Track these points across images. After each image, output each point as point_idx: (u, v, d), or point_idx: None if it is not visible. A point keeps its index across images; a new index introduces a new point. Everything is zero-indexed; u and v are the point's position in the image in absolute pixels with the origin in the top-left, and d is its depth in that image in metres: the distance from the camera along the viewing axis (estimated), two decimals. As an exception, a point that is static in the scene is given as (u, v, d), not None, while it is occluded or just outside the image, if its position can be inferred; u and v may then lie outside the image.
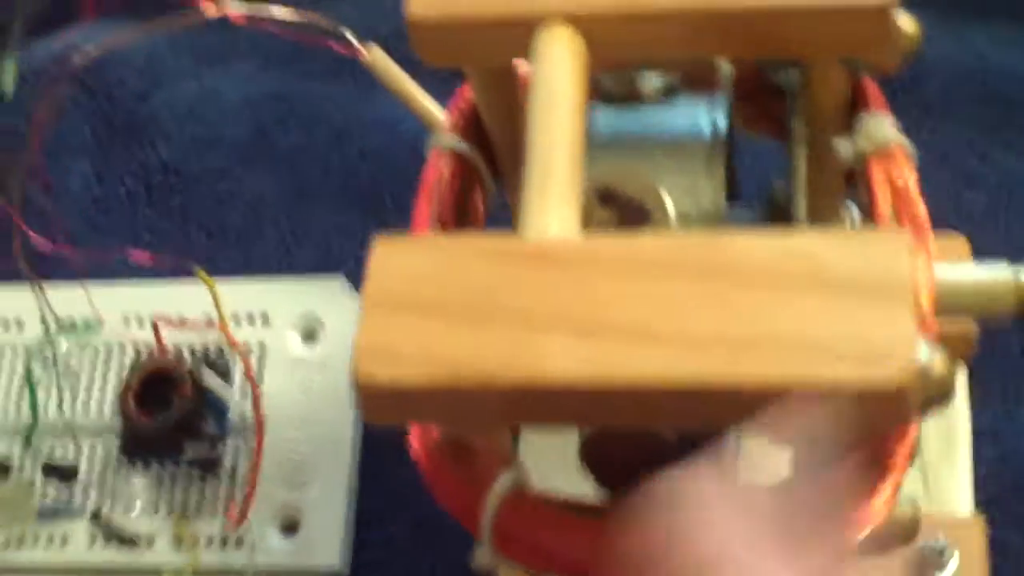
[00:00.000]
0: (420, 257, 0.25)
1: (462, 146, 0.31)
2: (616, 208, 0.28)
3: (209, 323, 0.40)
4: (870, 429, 0.24)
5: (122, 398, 0.38)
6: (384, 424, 0.26)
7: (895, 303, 0.22)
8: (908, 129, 0.37)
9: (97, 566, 0.39)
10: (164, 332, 0.40)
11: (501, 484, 0.27)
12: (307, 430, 0.39)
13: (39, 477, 0.39)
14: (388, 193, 0.43)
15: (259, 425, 0.38)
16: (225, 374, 0.39)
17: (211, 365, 0.39)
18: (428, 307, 0.24)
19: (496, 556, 0.27)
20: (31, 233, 0.40)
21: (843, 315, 0.22)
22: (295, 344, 0.40)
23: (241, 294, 0.40)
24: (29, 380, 0.40)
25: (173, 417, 0.38)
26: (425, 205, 0.30)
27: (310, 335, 0.40)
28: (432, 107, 0.36)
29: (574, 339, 0.23)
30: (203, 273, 0.39)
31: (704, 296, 0.23)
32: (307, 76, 0.46)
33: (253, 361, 0.40)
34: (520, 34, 0.27)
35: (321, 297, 0.40)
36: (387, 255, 0.25)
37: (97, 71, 0.47)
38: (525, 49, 0.27)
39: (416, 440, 0.28)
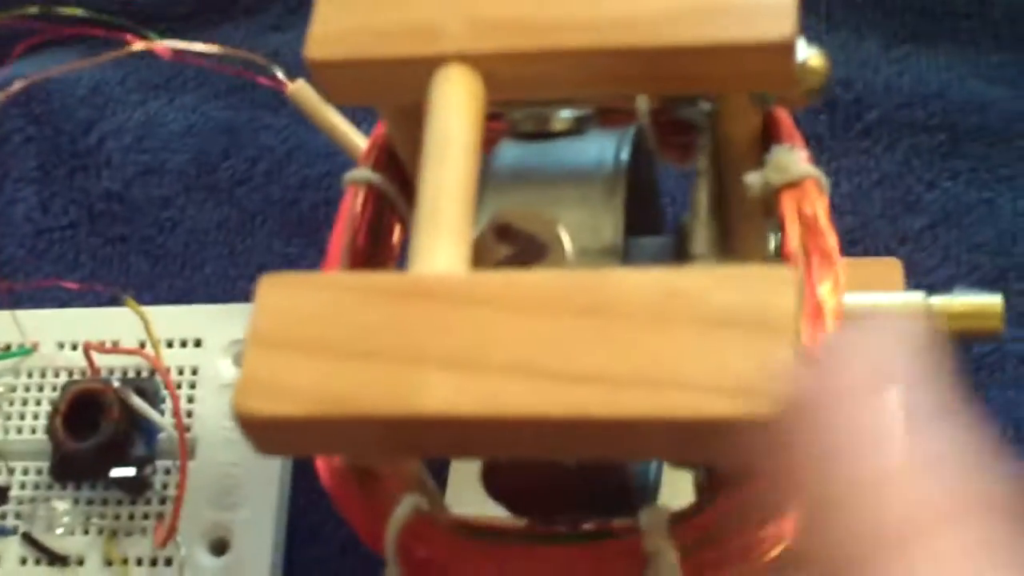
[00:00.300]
0: (306, 295, 0.25)
1: (376, 178, 0.32)
2: (513, 244, 0.29)
3: (140, 351, 0.41)
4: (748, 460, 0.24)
5: (50, 421, 0.39)
6: (275, 454, 0.26)
7: (773, 336, 0.22)
8: (849, 154, 0.38)
9: (27, 586, 0.39)
10: (96, 357, 0.40)
11: (403, 508, 0.27)
12: (237, 453, 0.39)
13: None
14: (328, 222, 0.44)
15: (183, 446, 0.38)
16: (154, 397, 0.40)
17: (139, 389, 0.39)
18: (311, 343, 0.24)
19: None
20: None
21: (720, 348, 0.22)
22: (227, 369, 0.41)
23: (176, 320, 0.41)
24: (-36, 404, 0.41)
25: (100, 440, 0.38)
26: (339, 237, 0.31)
27: (242, 361, 0.41)
28: (357, 139, 0.37)
29: (453, 373, 0.23)
30: (131, 300, 0.40)
31: (586, 332, 0.23)
32: (251, 105, 0.47)
33: (185, 386, 0.40)
34: (421, 73, 0.27)
35: (254, 323, 0.41)
36: (273, 293, 0.25)
37: (43, 101, 0.48)
38: (419, 88, 0.27)
39: (322, 467, 0.29)
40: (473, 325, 0.24)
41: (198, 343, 0.41)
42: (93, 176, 0.47)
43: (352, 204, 0.32)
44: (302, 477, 0.40)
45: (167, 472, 0.40)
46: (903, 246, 0.40)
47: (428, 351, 0.24)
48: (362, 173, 0.32)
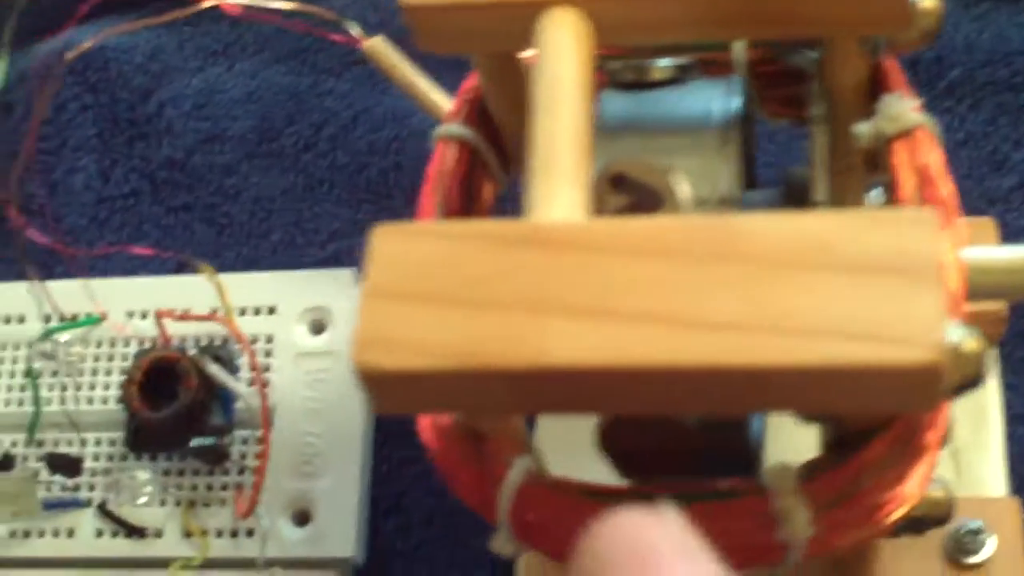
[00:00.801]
0: (421, 244, 0.24)
1: (467, 133, 0.31)
2: (629, 194, 0.28)
3: (214, 316, 0.40)
4: (898, 411, 0.23)
5: (125, 390, 0.38)
6: (393, 413, 0.25)
7: (921, 282, 0.21)
8: (932, 113, 0.37)
9: (105, 558, 0.38)
10: (168, 325, 0.40)
11: (516, 471, 0.26)
12: (317, 420, 0.39)
13: (43, 470, 0.39)
14: (398, 187, 0.43)
15: (265, 415, 0.37)
16: (230, 365, 0.39)
17: (216, 356, 0.38)
18: (429, 294, 0.23)
19: (515, 543, 0.27)
20: (33, 230, 0.40)
21: (866, 295, 0.21)
22: (303, 336, 0.40)
23: (248, 288, 0.40)
24: (30, 374, 0.40)
25: (178, 409, 0.37)
26: (430, 194, 0.30)
27: (318, 328, 0.40)
28: (437, 96, 0.36)
29: (580, 323, 0.22)
30: (206, 266, 0.39)
31: (717, 279, 0.22)
32: (313, 70, 0.46)
33: (260, 354, 0.40)
34: (522, 17, 0.26)
35: (330, 290, 0.40)
36: (387, 243, 0.24)
37: (100, 68, 0.47)
38: (528, 33, 0.26)
39: (426, 429, 0.28)
40: (598, 273, 0.23)
41: (272, 310, 0.40)
42: (153, 144, 0.46)
43: (443, 160, 0.31)
44: (383, 445, 0.39)
45: (244, 442, 0.39)
46: (992, 207, 0.39)
47: (552, 300, 0.23)
48: (453, 128, 0.31)
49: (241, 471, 0.38)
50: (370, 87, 0.45)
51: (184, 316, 0.40)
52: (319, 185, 0.44)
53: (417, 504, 0.39)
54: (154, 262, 0.43)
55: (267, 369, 0.39)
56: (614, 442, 0.28)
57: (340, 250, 0.43)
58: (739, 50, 0.30)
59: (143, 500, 0.37)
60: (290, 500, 0.38)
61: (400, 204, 0.43)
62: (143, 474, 0.38)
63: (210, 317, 0.39)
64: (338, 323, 0.40)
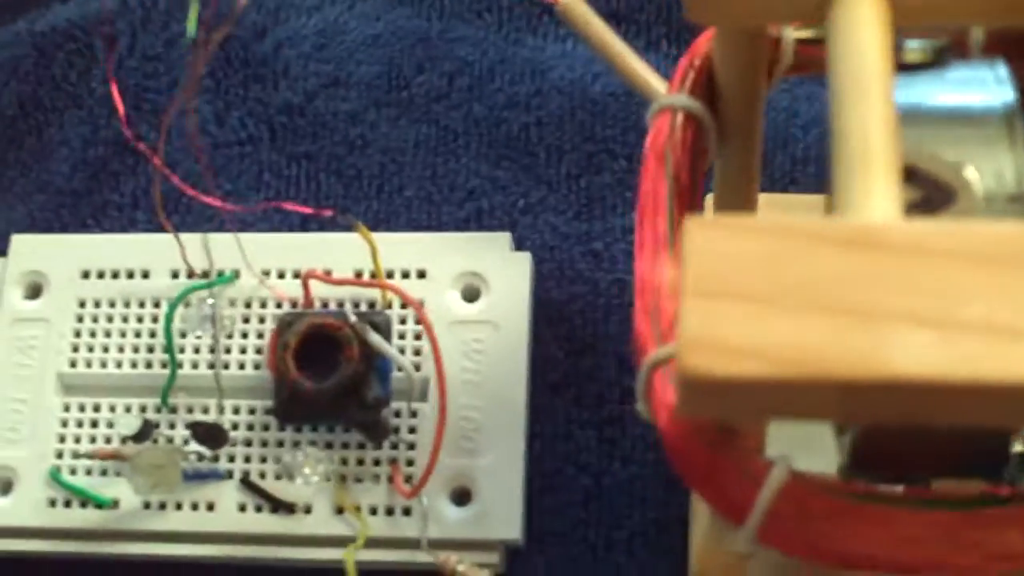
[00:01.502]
0: (742, 240, 0.22)
1: (695, 106, 0.29)
2: (920, 188, 0.26)
3: (359, 278, 0.38)
4: None
5: (279, 358, 0.35)
6: (703, 415, 0.24)
7: None
8: None
9: (248, 534, 0.36)
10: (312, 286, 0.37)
11: (779, 470, 0.25)
12: (476, 394, 0.36)
13: (183, 439, 0.37)
14: (541, 145, 0.41)
15: (442, 386, 0.35)
16: (386, 333, 0.36)
17: (373, 324, 0.36)
18: (755, 295, 0.22)
19: (757, 544, 0.26)
20: (175, 179, 0.37)
21: None
22: (456, 304, 0.38)
23: (395, 248, 0.38)
24: (167, 335, 0.37)
25: (341, 380, 0.35)
26: (657, 168, 0.28)
27: (472, 294, 0.38)
28: (634, 62, 0.34)
29: (923, 332, 0.21)
30: (362, 226, 0.37)
31: None
32: (441, 15, 0.43)
33: (410, 321, 0.37)
34: None
35: (484, 255, 0.38)
36: (702, 237, 0.23)
37: (209, 3, 0.44)
38: (810, 10, 0.25)
39: (670, 423, 0.26)
40: (935, 279, 0.21)
41: (422, 275, 0.38)
42: (270, 87, 0.43)
43: (669, 132, 0.29)
44: (534, 421, 0.38)
45: (396, 415, 0.37)
46: None
47: (890, 307, 0.21)
48: (681, 99, 0.29)
49: (394, 446, 0.36)
50: (504, 36, 0.43)
51: (341, 280, 0.37)
52: (454, 139, 0.42)
53: (571, 483, 0.37)
54: (282, 216, 0.41)
55: (418, 338, 0.37)
56: (875, 446, 0.27)
57: (480, 209, 0.41)
58: (976, 32, 0.29)
59: (301, 474, 0.35)
60: (450, 477, 0.36)
61: (543, 163, 0.41)
62: (292, 446, 0.36)
63: (374, 283, 0.37)
64: (495, 290, 0.37)
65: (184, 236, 0.38)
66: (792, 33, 0.30)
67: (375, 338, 0.35)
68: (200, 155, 0.40)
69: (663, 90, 0.33)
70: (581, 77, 0.42)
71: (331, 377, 0.35)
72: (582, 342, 0.39)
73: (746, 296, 0.22)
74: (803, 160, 0.40)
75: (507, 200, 0.40)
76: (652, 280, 0.28)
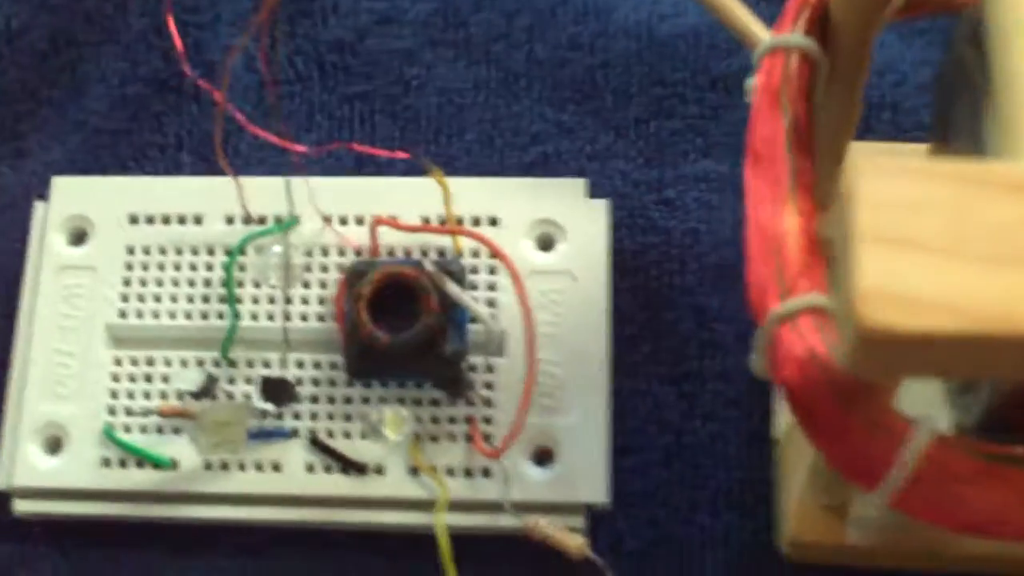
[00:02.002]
0: (912, 185, 0.21)
1: (810, 45, 0.27)
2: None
3: (426, 224, 0.36)
4: None
5: (351, 309, 0.34)
6: (880, 376, 0.22)
7: None
8: None
9: (318, 496, 0.34)
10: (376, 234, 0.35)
11: (922, 433, 0.24)
12: (555, 348, 0.35)
13: (243, 395, 0.35)
14: (608, 89, 0.39)
15: (530, 339, 0.33)
16: (462, 282, 0.35)
17: (449, 272, 0.34)
18: (935, 244, 0.20)
19: (894, 509, 0.24)
20: (240, 118, 0.35)
21: None
22: (531, 253, 0.36)
23: (464, 194, 0.36)
24: (229, 284, 0.35)
25: (419, 333, 0.33)
26: (772, 110, 0.27)
27: (547, 243, 0.36)
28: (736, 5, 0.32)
29: None
30: (436, 169, 0.35)
31: None
32: (499, -49, 0.41)
33: (483, 270, 0.36)
34: None
35: (559, 202, 0.36)
36: (872, 181, 0.21)
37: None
38: None
39: (802, 381, 0.25)
40: None
41: (493, 222, 0.36)
42: (319, 23, 0.41)
43: (783, 73, 0.27)
44: (611, 377, 0.36)
45: (472, 370, 0.35)
46: None
47: None
48: (796, 38, 0.27)
49: (471, 403, 0.35)
50: (569, -26, 0.40)
51: (417, 227, 0.35)
52: (515, 80, 0.40)
53: (652, 443, 0.36)
54: (334, 159, 0.39)
55: (492, 288, 0.35)
56: (1013, 404, 0.26)
57: (546, 155, 0.39)
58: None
59: (382, 434, 0.33)
60: (530, 437, 0.34)
61: (610, 107, 0.39)
62: (363, 402, 0.34)
63: (450, 230, 0.35)
64: (571, 239, 0.36)
65: (245, 179, 0.36)
66: (910, -29, 0.28)
67: (453, 288, 0.34)
68: (273, 96, 0.37)
69: (761, 31, 0.31)
70: (648, 18, 0.40)
71: (408, 329, 0.33)
72: (658, 294, 0.37)
73: (926, 244, 0.20)
74: (878, 106, 0.39)
75: (573, 146, 0.39)
76: (773, 228, 0.26)
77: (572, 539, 0.33)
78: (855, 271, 0.20)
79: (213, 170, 0.38)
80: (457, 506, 0.34)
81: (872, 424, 0.24)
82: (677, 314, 0.37)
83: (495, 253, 0.34)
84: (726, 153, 0.38)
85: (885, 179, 0.21)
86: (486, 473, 0.34)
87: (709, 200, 0.38)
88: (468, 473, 0.34)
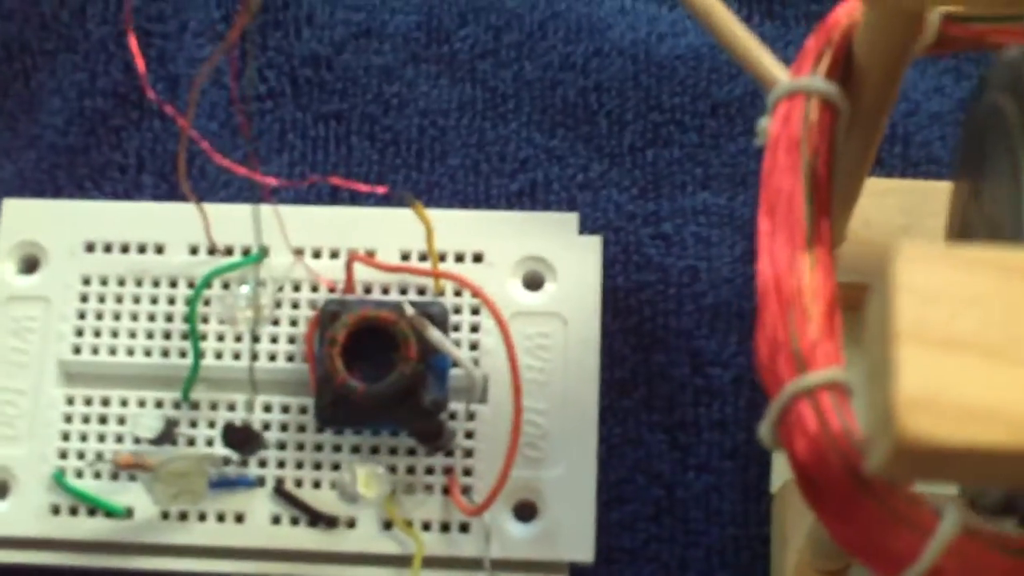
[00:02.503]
0: (958, 278, 0.19)
1: (833, 91, 0.25)
2: None
3: (405, 260, 0.34)
4: None
5: (325, 355, 0.31)
6: (913, 481, 0.20)
7: None
8: None
9: (282, 550, 0.32)
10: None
11: (950, 525, 0.21)
12: (541, 396, 0.32)
13: (206, 440, 0.32)
14: (602, 114, 0.37)
15: (516, 384, 0.31)
16: (443, 326, 0.32)
17: (429, 315, 0.32)
18: (980, 346, 0.18)
19: None
20: (204, 145, 0.32)
21: None
22: (517, 292, 0.33)
23: (446, 227, 0.34)
24: (191, 321, 0.33)
25: (397, 382, 0.31)
26: (791, 162, 0.24)
27: (535, 282, 0.34)
28: (738, 29, 0.30)
29: None
30: (417, 203, 0.32)
31: None
32: (486, -37, 0.39)
33: (466, 310, 0.33)
34: None
35: (549, 238, 0.34)
36: (917, 273, 0.19)
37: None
38: None
39: (814, 459, 0.22)
40: None
41: (477, 258, 0.34)
42: (292, 35, 0.38)
43: (805, 123, 0.25)
44: (600, 424, 0.33)
45: (451, 417, 0.32)
46: None
47: None
48: (818, 83, 0.25)
49: (450, 453, 0.32)
50: (559, -11, 0.38)
51: (397, 267, 0.33)
52: (503, 102, 0.37)
53: (642, 494, 0.34)
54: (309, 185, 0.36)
55: (475, 329, 0.33)
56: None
57: (535, 183, 0.36)
58: None
59: (355, 494, 0.31)
60: (513, 490, 0.32)
61: (603, 133, 0.37)
62: (333, 451, 0.32)
63: (433, 272, 0.33)
64: (561, 278, 0.33)
65: (212, 207, 0.33)
66: (939, 9, 0.26)
67: (435, 334, 0.31)
68: (244, 124, 0.35)
69: (777, 71, 0.28)
70: (645, 37, 0.37)
71: (385, 378, 0.31)
72: (652, 336, 0.35)
73: (972, 345, 0.18)
74: (888, 138, 0.36)
75: (564, 174, 0.36)
76: (789, 286, 0.24)
77: (555, 603, 0.31)
78: (895, 374, 0.18)
79: (177, 193, 0.35)
80: (433, 562, 0.31)
81: (893, 513, 0.21)
82: (672, 357, 0.35)
83: (479, 298, 0.32)
84: (726, 184, 0.36)
85: (929, 269, 0.19)
86: (464, 528, 0.32)
87: (708, 236, 0.36)
88: (445, 528, 0.32)
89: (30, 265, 0.34)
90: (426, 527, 0.32)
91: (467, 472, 0.32)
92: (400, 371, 0.31)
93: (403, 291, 0.33)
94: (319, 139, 0.37)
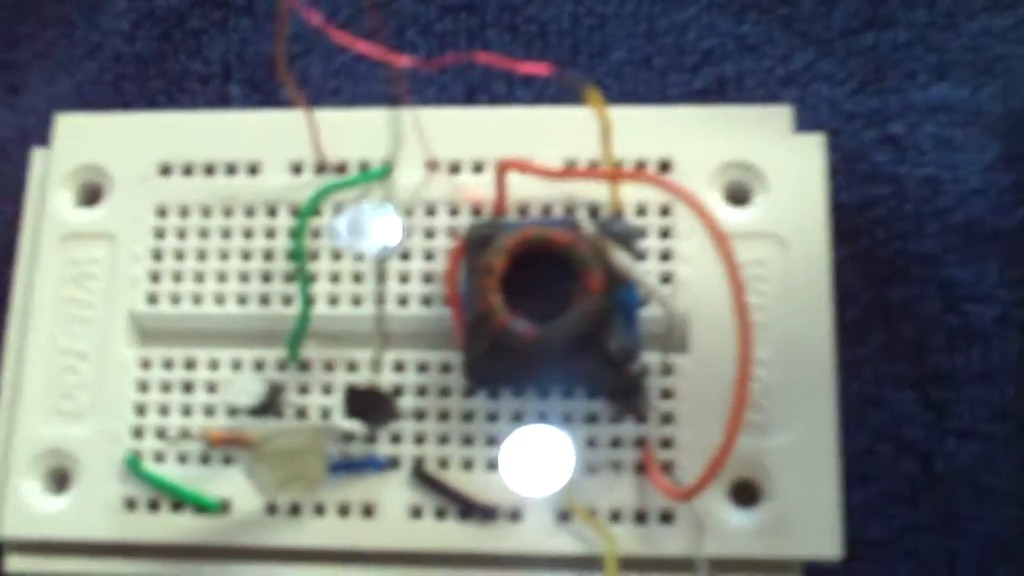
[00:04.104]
0: None
1: None
2: None
3: (573, 169, 0.26)
4: None
5: (477, 288, 0.23)
6: None
7: None
8: None
9: (423, 551, 0.24)
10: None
11: None
12: (760, 341, 0.25)
13: (322, 412, 0.25)
14: None
15: (744, 330, 0.23)
16: (633, 251, 0.24)
17: (616, 237, 0.24)
18: None
19: None
20: (314, 17, 0.25)
21: None
22: (718, 208, 0.26)
23: (624, 127, 0.25)
24: (298, 254, 0.25)
25: (576, 322, 0.23)
26: None
27: (739, 195, 0.26)
28: None
29: None
30: (593, 92, 0.25)
31: None
32: None
33: (653, 232, 0.25)
34: None
35: (755, 138, 0.26)
36: None
37: None
38: None
39: None
40: None
41: (665, 166, 0.26)
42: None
43: None
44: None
45: (644, 373, 0.25)
46: None
47: None
48: None
49: (642, 419, 0.24)
50: None
51: (571, 172, 0.25)
52: (678, -18, 0.30)
53: (890, 469, 0.26)
54: (438, 87, 0.29)
55: (666, 257, 0.25)
56: None
57: (723, 78, 0.29)
58: None
59: (489, 468, 0.23)
60: (728, 465, 0.24)
61: (807, 14, 0.30)
62: (488, 420, 0.24)
63: (600, 172, 0.25)
64: (775, 189, 0.26)
65: (314, 112, 0.26)
66: None
67: (623, 259, 0.23)
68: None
69: None
70: None
71: (560, 317, 0.23)
72: (888, 265, 0.27)
73: None
74: None
75: (760, 66, 0.29)
76: None
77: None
78: None
79: (271, 102, 0.28)
80: (626, 564, 0.24)
81: None
82: (916, 291, 0.27)
83: (692, 207, 0.24)
84: (967, 73, 0.28)
85: None
86: (667, 518, 0.24)
87: (950, 137, 0.28)
88: (641, 518, 0.24)
89: (91, 195, 0.27)
90: (615, 518, 0.24)
91: (665, 444, 0.24)
92: (580, 308, 0.23)
93: (569, 211, 0.26)
94: (446, 35, 0.30)
